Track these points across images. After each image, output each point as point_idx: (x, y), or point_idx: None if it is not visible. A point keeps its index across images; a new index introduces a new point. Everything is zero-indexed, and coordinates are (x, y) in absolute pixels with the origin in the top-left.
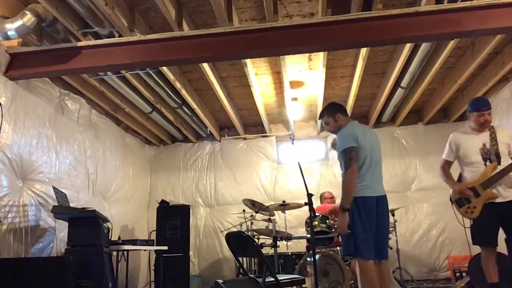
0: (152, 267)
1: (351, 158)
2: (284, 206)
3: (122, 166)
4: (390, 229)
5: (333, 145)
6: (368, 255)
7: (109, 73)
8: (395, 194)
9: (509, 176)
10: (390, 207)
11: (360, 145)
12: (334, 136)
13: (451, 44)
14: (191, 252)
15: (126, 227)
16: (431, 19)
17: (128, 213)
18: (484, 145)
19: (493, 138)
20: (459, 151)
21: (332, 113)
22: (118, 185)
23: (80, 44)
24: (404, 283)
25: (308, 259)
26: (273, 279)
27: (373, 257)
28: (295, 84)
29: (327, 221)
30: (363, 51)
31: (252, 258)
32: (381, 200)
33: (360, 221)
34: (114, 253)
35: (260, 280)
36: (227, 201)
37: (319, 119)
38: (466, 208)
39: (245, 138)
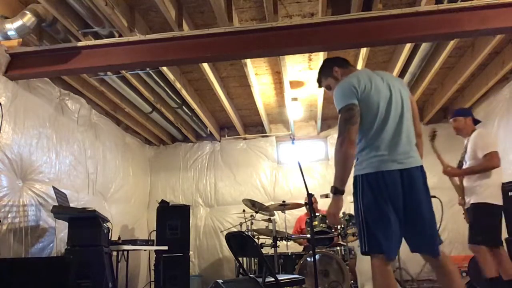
0: (152, 267)
1: (345, 120)
2: (284, 206)
3: (122, 166)
4: None
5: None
6: (388, 253)
7: (109, 73)
8: None
9: (468, 185)
10: None
11: (365, 98)
12: (335, 136)
13: (451, 44)
14: (191, 252)
15: (126, 227)
16: (431, 19)
17: (128, 213)
18: (463, 151)
19: (466, 144)
20: None
21: (328, 71)
22: (118, 185)
23: (80, 44)
24: (404, 283)
25: (308, 259)
26: (273, 279)
27: (394, 256)
28: (295, 84)
29: (327, 221)
30: (363, 51)
31: (252, 258)
32: (411, 174)
33: (373, 207)
34: (114, 253)
35: (260, 280)
36: (227, 201)
37: (319, 87)
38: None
39: (245, 138)
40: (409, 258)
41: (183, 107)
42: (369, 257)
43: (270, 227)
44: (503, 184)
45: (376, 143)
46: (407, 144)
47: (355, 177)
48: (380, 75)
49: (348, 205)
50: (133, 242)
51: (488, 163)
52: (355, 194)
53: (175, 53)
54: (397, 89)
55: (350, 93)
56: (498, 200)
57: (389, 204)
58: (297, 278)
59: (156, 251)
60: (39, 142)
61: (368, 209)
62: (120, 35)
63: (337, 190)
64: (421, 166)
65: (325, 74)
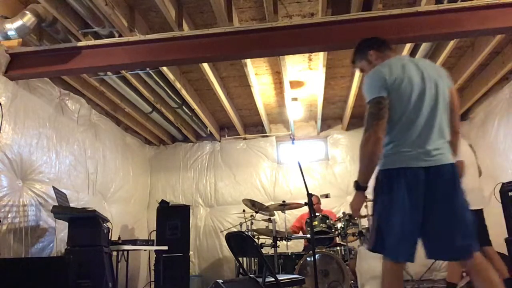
0: (152, 267)
1: (372, 115)
2: (284, 206)
3: (122, 166)
4: None
5: None
6: (401, 256)
7: (109, 73)
8: None
9: None
10: None
11: (396, 90)
12: (335, 136)
13: (451, 44)
14: (191, 252)
15: (126, 227)
16: (431, 19)
17: (128, 213)
18: None
19: None
20: None
21: (363, 53)
22: (118, 185)
23: (80, 44)
24: (404, 283)
25: (308, 259)
26: (273, 279)
27: (404, 259)
28: (295, 84)
29: (327, 221)
30: None
31: (252, 258)
32: (439, 172)
33: (389, 204)
34: (114, 253)
35: (260, 280)
36: (227, 201)
37: (353, 67)
38: None
39: (245, 138)
40: None
41: (183, 107)
42: (368, 257)
43: (270, 227)
44: (503, 184)
45: (403, 138)
46: (438, 140)
47: (377, 172)
48: (416, 63)
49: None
50: (133, 242)
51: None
52: (375, 188)
53: (175, 53)
54: (432, 80)
55: (380, 85)
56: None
57: (407, 203)
58: (297, 278)
59: (156, 251)
60: (39, 142)
61: (384, 207)
62: (120, 35)
63: (359, 186)
64: (453, 164)
65: (360, 56)
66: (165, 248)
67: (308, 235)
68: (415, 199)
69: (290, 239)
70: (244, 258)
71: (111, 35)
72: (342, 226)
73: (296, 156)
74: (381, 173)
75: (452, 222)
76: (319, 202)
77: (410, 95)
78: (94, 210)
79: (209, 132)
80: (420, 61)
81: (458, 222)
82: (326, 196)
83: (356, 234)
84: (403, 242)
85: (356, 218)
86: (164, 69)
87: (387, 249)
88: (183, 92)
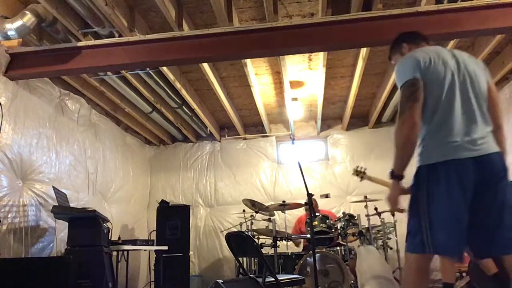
0: (152, 267)
1: (406, 97)
2: (284, 206)
3: (122, 166)
4: (391, 228)
5: None
6: (457, 254)
7: (109, 73)
8: None
9: None
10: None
11: (430, 73)
12: (335, 136)
13: (451, 44)
14: (191, 252)
15: (126, 227)
16: (431, 19)
17: (128, 213)
18: None
19: None
20: None
21: (397, 47)
22: (118, 185)
23: (80, 44)
24: None
25: (308, 259)
26: (273, 279)
27: (463, 257)
28: (295, 84)
29: (327, 221)
30: (363, 51)
31: (252, 258)
32: (487, 161)
33: (441, 203)
34: (114, 253)
35: (260, 280)
36: (227, 201)
37: (393, 65)
38: None
39: (245, 138)
40: None
41: (183, 107)
42: (368, 257)
43: (270, 227)
44: None
45: (444, 127)
46: (483, 127)
47: (418, 168)
48: (451, 51)
49: (348, 205)
50: (133, 242)
51: None
52: (416, 187)
53: (175, 53)
54: (470, 68)
55: (413, 66)
56: None
57: (459, 199)
58: (297, 278)
59: (156, 251)
60: (39, 142)
61: (434, 206)
62: (120, 35)
63: (395, 175)
64: (499, 153)
65: (394, 50)
66: (165, 248)
67: (308, 235)
68: (466, 193)
69: (290, 239)
70: (244, 258)
71: (111, 35)
72: (342, 226)
73: (296, 156)
74: (426, 169)
75: (502, 214)
76: (316, 205)
77: (445, 79)
78: (94, 210)
79: (209, 132)
80: (456, 51)
81: (508, 214)
82: (326, 196)
83: (356, 234)
84: (460, 241)
85: (394, 212)
86: (164, 69)
87: (445, 249)
88: (183, 92)
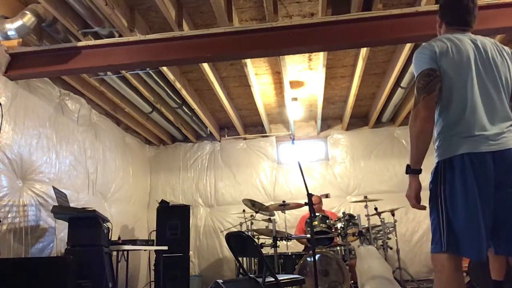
0: (152, 267)
1: (419, 88)
2: (284, 206)
3: (122, 166)
4: (390, 228)
5: None
6: (477, 254)
7: (109, 73)
8: (395, 194)
9: None
10: (389, 207)
11: (447, 64)
12: (335, 136)
13: None
14: (191, 252)
15: (126, 227)
16: (431, 19)
17: (128, 213)
18: None
19: None
20: None
21: (438, 18)
22: (118, 185)
23: (80, 44)
24: (404, 283)
25: (308, 259)
26: (273, 279)
27: (484, 257)
28: (295, 84)
29: (327, 221)
30: (363, 51)
31: (252, 258)
32: (504, 158)
33: (459, 199)
34: (114, 253)
35: (260, 280)
36: (227, 201)
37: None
38: None
39: (245, 138)
40: (409, 258)
41: (183, 107)
42: (368, 257)
43: (270, 227)
44: None
45: (461, 120)
46: (502, 121)
47: (436, 163)
48: (474, 39)
49: (348, 205)
50: (133, 242)
51: None
52: (434, 183)
53: (175, 53)
54: (493, 57)
55: (428, 56)
56: None
57: (478, 195)
58: (297, 278)
59: (156, 251)
60: (39, 142)
61: (452, 202)
62: (120, 35)
63: (411, 170)
64: None
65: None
66: (165, 248)
67: (308, 235)
68: (486, 190)
69: (290, 239)
70: (244, 258)
71: (111, 35)
72: (342, 226)
73: (296, 156)
74: (442, 164)
75: None
76: (320, 203)
77: (464, 67)
78: (94, 210)
79: (209, 132)
80: (479, 37)
81: None
82: (326, 196)
83: (356, 234)
84: (481, 240)
85: (415, 207)
86: (164, 69)
87: (461, 249)
88: (183, 92)
